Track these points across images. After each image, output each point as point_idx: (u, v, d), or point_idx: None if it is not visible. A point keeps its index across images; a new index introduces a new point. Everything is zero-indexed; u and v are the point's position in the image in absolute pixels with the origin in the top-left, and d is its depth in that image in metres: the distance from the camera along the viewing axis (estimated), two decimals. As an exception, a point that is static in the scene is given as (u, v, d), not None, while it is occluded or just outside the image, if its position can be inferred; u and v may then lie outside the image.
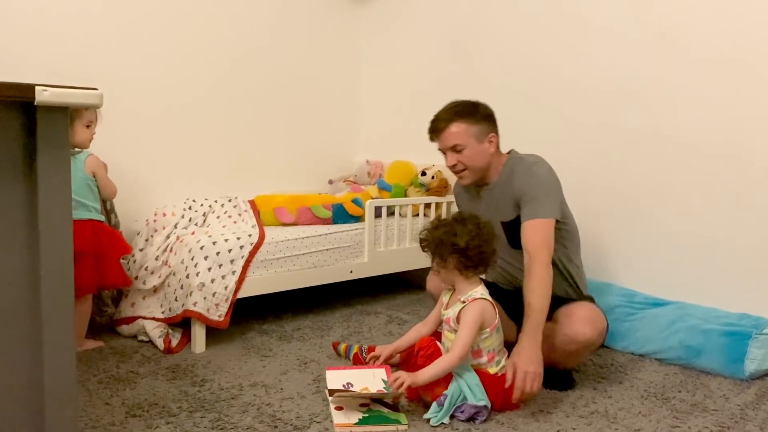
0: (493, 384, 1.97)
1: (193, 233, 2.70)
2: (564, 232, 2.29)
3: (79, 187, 2.40)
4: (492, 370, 2.01)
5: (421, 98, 3.78)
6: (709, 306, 2.59)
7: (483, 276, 2.13)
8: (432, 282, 2.52)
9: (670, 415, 2.00)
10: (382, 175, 3.69)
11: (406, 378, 1.91)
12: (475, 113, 2.29)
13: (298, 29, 3.77)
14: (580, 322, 2.08)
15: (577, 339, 2.07)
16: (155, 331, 2.56)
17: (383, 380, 2.05)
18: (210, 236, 2.60)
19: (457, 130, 2.26)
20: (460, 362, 1.93)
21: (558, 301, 2.28)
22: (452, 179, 3.48)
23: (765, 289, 2.50)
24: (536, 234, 2.14)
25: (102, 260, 2.45)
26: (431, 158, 3.59)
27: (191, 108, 3.32)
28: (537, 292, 2.05)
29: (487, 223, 2.06)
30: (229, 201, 3.07)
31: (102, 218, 2.52)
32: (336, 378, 2.06)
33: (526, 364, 1.95)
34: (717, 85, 2.59)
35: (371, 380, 2.06)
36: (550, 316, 2.15)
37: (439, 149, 2.35)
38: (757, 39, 2.47)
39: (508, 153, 2.37)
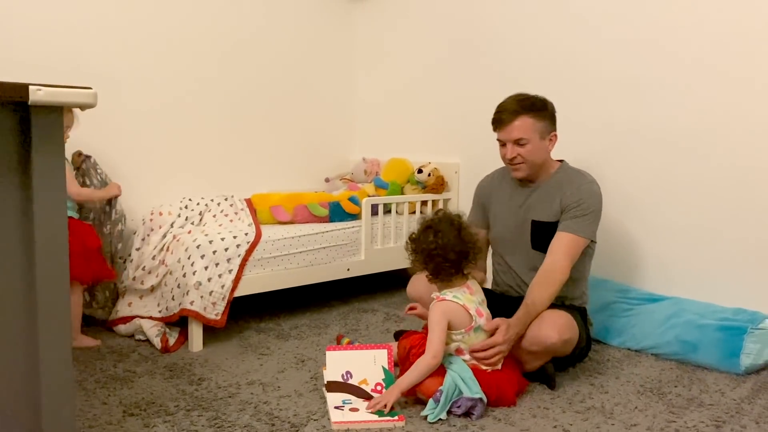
0: (486, 380, 1.98)
1: (189, 232, 2.70)
2: (590, 251, 2.35)
3: None
4: (483, 366, 2.01)
5: (418, 96, 3.78)
6: (705, 301, 2.60)
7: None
8: (411, 286, 2.53)
9: (666, 410, 2.01)
10: (379, 173, 3.70)
11: (388, 399, 1.91)
12: (543, 109, 2.30)
13: (293, 27, 3.77)
14: (548, 326, 2.07)
15: (541, 341, 2.07)
16: (152, 330, 2.56)
17: (383, 367, 2.05)
18: (206, 235, 2.60)
19: (523, 124, 2.25)
20: (435, 362, 1.95)
21: None
22: (449, 176, 3.49)
23: (760, 283, 2.51)
24: (570, 249, 2.22)
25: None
26: (427, 156, 3.61)
27: (187, 107, 3.31)
28: (545, 299, 2.15)
29: (450, 233, 2.04)
30: (226, 200, 3.07)
31: (70, 215, 2.50)
32: (335, 362, 2.06)
33: (514, 328, 2.06)
34: (710, 83, 2.59)
35: (371, 367, 2.06)
36: None
37: (499, 140, 2.32)
38: (755, 34, 2.47)
39: (559, 161, 2.40)
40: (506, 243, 2.42)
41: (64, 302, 1.44)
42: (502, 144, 2.32)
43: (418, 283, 2.41)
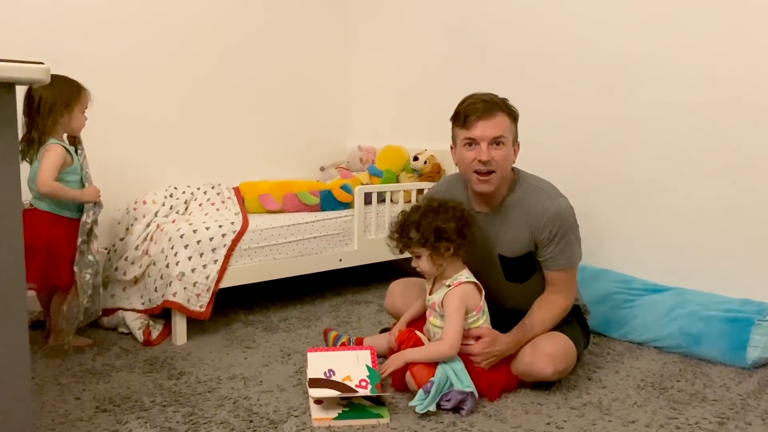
0: (474, 373, 1.89)
1: (173, 221, 2.61)
2: None
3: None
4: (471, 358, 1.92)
5: (413, 82, 3.68)
6: (710, 291, 2.48)
7: None
8: (390, 299, 2.34)
9: (667, 405, 1.91)
10: (375, 161, 3.59)
11: (391, 365, 1.90)
12: (515, 113, 2.00)
13: (286, 13, 3.67)
14: (543, 359, 1.92)
15: (535, 374, 1.95)
16: (135, 323, 2.47)
17: (367, 366, 1.96)
18: (191, 224, 2.51)
19: (503, 121, 1.93)
20: (451, 352, 1.86)
21: None
22: (445, 163, 3.38)
23: (768, 273, 2.40)
24: (571, 282, 2.05)
25: (54, 259, 2.22)
26: (424, 143, 3.50)
27: (174, 92, 3.22)
28: (546, 324, 2.00)
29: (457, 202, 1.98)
30: (213, 188, 2.98)
31: (72, 215, 2.29)
32: (317, 362, 1.95)
33: (501, 345, 1.93)
34: (715, 64, 2.47)
35: (354, 366, 1.95)
36: None
37: (470, 138, 1.94)
38: (756, 18, 2.35)
39: (513, 170, 2.08)
40: (476, 273, 2.03)
41: (19, 297, 1.35)
42: (471, 143, 1.94)
43: (398, 297, 2.30)
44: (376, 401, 1.85)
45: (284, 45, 3.68)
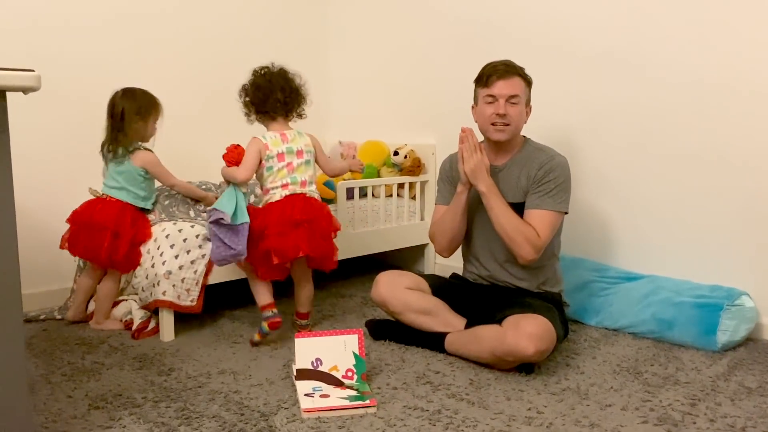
0: (255, 214, 2.35)
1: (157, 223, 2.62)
2: (560, 225, 2.33)
3: (128, 176, 2.55)
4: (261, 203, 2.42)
5: (393, 78, 3.72)
6: (682, 278, 2.59)
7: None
8: (378, 287, 2.40)
9: (642, 389, 1.99)
10: (356, 156, 3.63)
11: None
12: (529, 79, 2.32)
13: (264, 6, 3.68)
14: (525, 339, 1.98)
15: (517, 354, 2.01)
16: (138, 312, 2.55)
17: (354, 353, 2.01)
18: (175, 224, 2.54)
19: (519, 83, 2.26)
20: (240, 177, 2.37)
21: (515, 295, 2.27)
22: (425, 158, 3.44)
23: (737, 260, 2.50)
24: (553, 226, 2.22)
25: (118, 240, 2.48)
26: (404, 138, 3.55)
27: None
28: (509, 217, 2.19)
29: (282, 75, 2.55)
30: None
31: (142, 205, 2.60)
32: (304, 349, 1.99)
33: (480, 163, 2.22)
34: (686, 56, 2.56)
35: (341, 353, 2.00)
36: (501, 315, 2.11)
37: (490, 95, 2.24)
38: (729, 8, 2.44)
39: (523, 137, 2.39)
40: (474, 223, 2.36)
41: (14, 293, 1.38)
42: (491, 101, 2.24)
43: (383, 287, 2.37)
44: (362, 397, 1.89)
45: (262, 39, 3.69)
